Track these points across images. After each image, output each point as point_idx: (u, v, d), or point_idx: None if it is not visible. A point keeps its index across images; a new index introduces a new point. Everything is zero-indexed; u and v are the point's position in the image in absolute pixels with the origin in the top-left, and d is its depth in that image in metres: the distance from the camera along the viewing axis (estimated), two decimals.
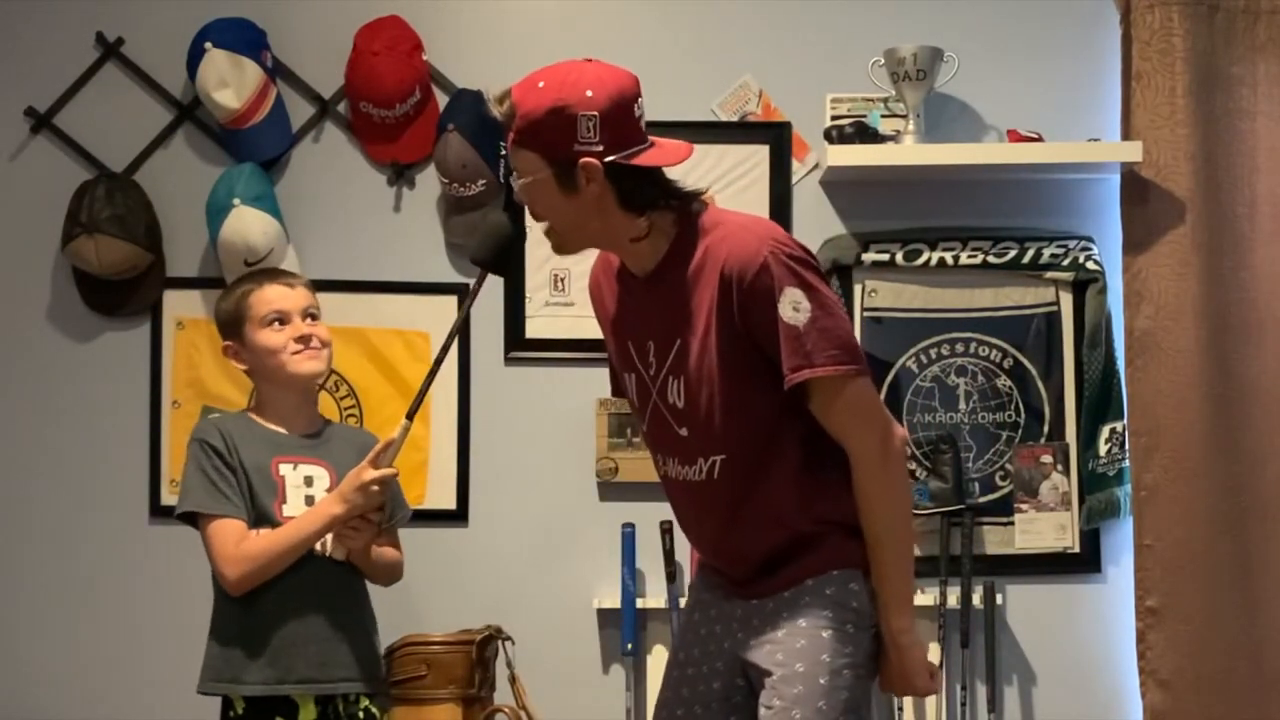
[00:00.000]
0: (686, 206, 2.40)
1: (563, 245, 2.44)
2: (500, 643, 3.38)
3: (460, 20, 3.76)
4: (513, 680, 3.36)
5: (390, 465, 2.76)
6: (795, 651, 2.38)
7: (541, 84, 2.32)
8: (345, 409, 3.68)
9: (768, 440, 2.39)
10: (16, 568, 3.69)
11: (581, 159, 2.30)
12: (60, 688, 3.65)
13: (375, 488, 2.73)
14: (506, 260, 2.71)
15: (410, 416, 2.75)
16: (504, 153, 2.53)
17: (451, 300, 3.66)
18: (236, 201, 3.55)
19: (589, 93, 2.30)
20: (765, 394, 2.35)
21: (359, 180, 3.71)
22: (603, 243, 2.44)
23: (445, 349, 2.76)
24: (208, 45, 3.57)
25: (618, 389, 2.61)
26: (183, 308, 3.70)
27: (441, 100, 3.71)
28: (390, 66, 3.62)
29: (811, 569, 2.42)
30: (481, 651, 3.34)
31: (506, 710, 3.36)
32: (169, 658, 3.50)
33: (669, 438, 2.45)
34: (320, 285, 3.57)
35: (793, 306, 2.31)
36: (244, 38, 3.62)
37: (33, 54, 3.73)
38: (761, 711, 2.37)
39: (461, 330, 3.58)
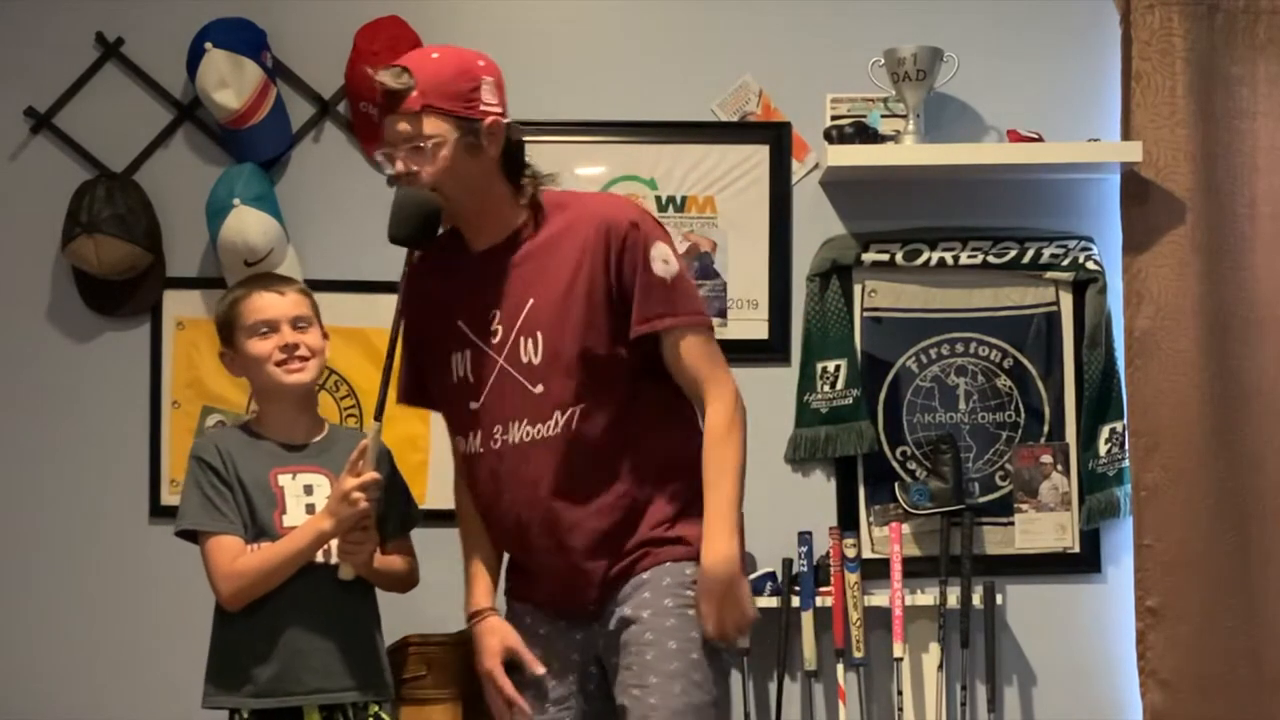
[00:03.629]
0: (542, 182, 2.59)
1: (449, 209, 2.54)
2: None
3: (460, 20, 3.76)
4: None
5: (370, 470, 2.72)
6: (666, 631, 2.50)
7: (435, 55, 2.51)
8: (345, 409, 3.68)
9: (625, 396, 2.52)
10: (17, 567, 3.69)
11: (488, 119, 2.47)
12: (60, 687, 3.65)
13: (357, 495, 2.72)
14: (432, 235, 2.68)
15: (378, 417, 2.73)
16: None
17: None
18: (236, 201, 3.55)
19: (481, 62, 2.51)
20: (623, 348, 2.51)
21: (359, 180, 3.71)
22: (477, 208, 2.55)
23: (393, 341, 2.73)
24: (208, 45, 3.57)
25: (412, 391, 2.72)
26: (183, 308, 3.70)
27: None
28: None
29: (669, 553, 2.56)
30: None
31: None
32: (169, 657, 3.50)
33: (517, 399, 2.52)
34: (320, 285, 3.58)
35: (663, 260, 2.51)
36: (244, 38, 3.62)
37: (33, 54, 3.73)
38: (631, 693, 2.49)
39: None
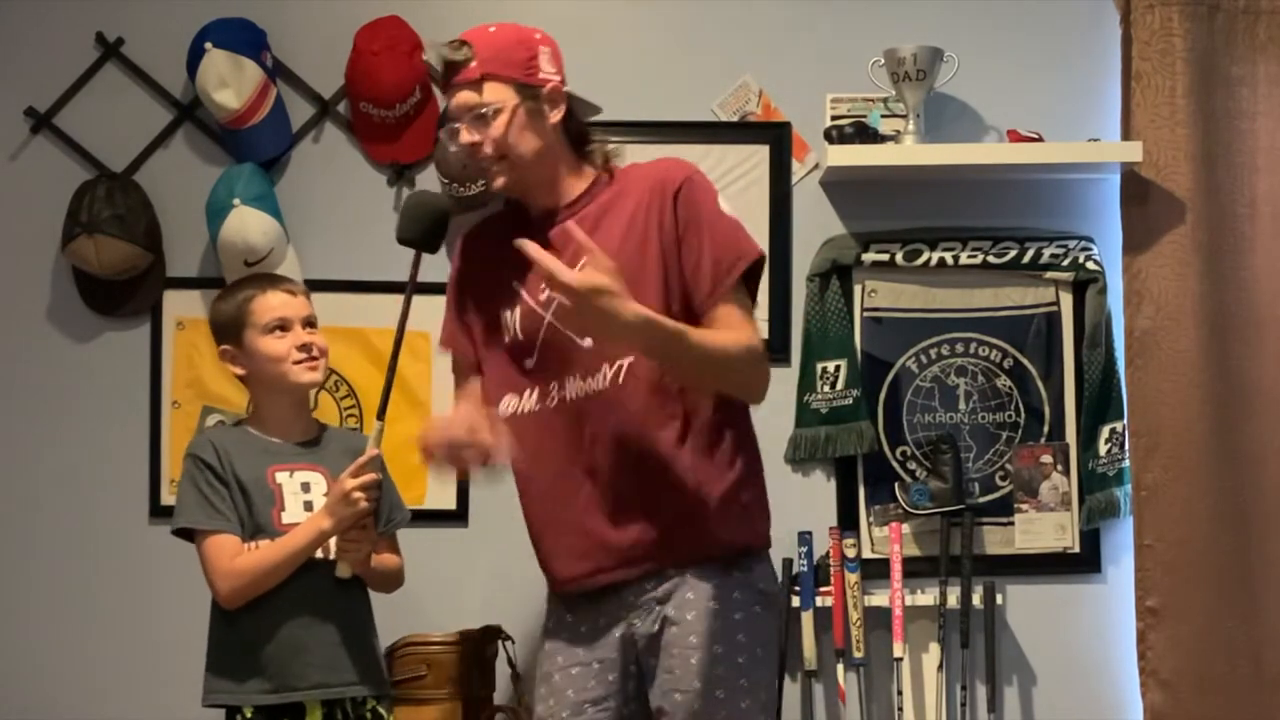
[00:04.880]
0: (610, 155, 2.63)
1: (512, 178, 2.54)
2: (500, 643, 3.38)
3: (460, 20, 3.72)
4: (514, 680, 3.36)
5: (373, 471, 2.74)
6: (713, 633, 2.45)
7: (492, 28, 2.54)
8: (345, 409, 3.68)
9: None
10: (17, 567, 3.69)
11: (548, 85, 2.51)
12: (60, 686, 3.65)
13: (358, 495, 2.72)
14: (440, 238, 2.70)
15: (380, 417, 2.74)
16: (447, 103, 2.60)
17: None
18: (236, 201, 3.55)
19: (538, 34, 2.55)
20: (675, 304, 2.48)
21: (359, 180, 3.72)
22: (540, 178, 2.56)
23: (398, 342, 2.74)
24: (208, 45, 3.57)
25: (455, 336, 2.69)
26: (183, 308, 3.70)
27: (441, 100, 3.71)
28: (390, 66, 3.62)
29: (715, 545, 2.49)
30: (481, 651, 3.34)
31: (506, 710, 3.36)
32: (169, 656, 3.50)
33: (568, 354, 2.50)
34: (320, 285, 3.59)
35: (730, 206, 2.57)
36: (244, 38, 3.62)
37: (33, 54, 3.73)
38: (674, 697, 2.44)
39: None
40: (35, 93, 3.71)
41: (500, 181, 2.53)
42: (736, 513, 2.53)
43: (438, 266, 3.68)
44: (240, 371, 2.93)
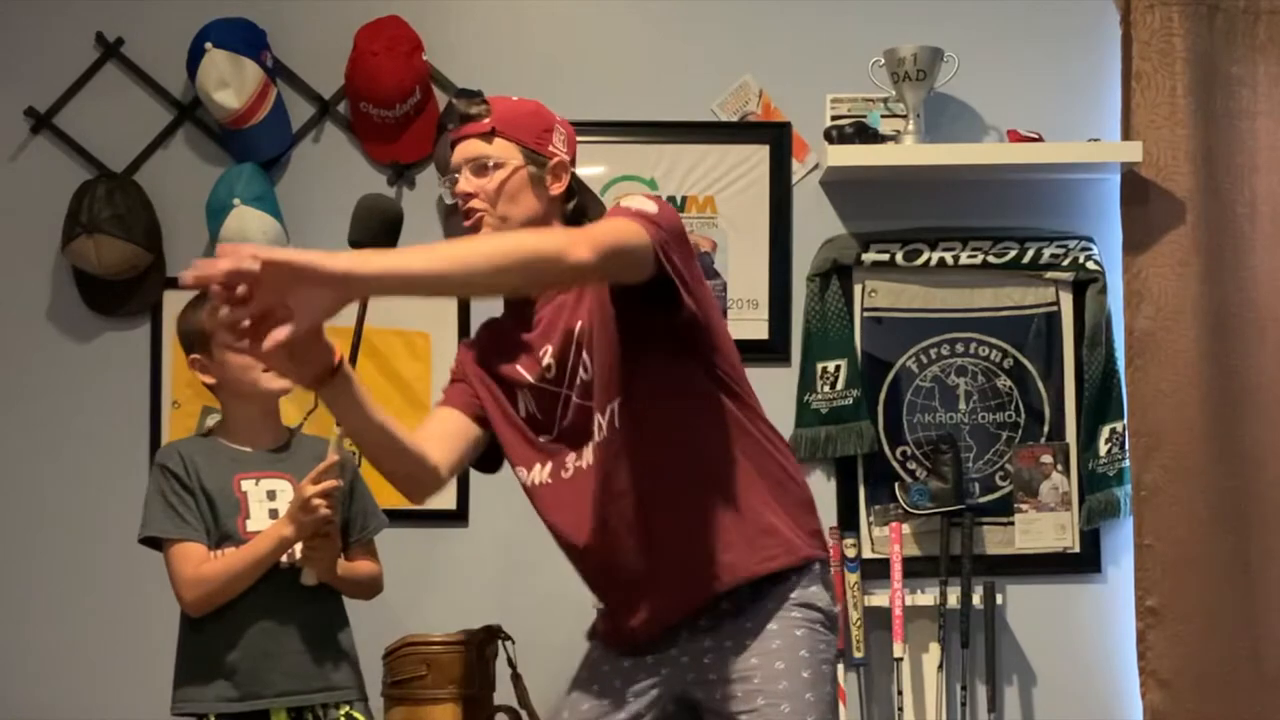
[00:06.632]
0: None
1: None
2: (500, 643, 3.38)
3: (460, 20, 3.76)
4: (514, 680, 3.36)
5: (333, 478, 2.70)
6: (771, 653, 2.38)
7: (515, 98, 2.54)
8: None
9: (661, 384, 2.41)
10: (16, 568, 3.69)
11: (554, 158, 2.49)
12: (58, 688, 3.65)
13: (318, 502, 2.70)
14: (393, 240, 2.65)
15: (339, 424, 2.72)
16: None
17: (452, 301, 3.65)
18: (236, 201, 3.55)
19: (557, 117, 2.54)
20: (651, 340, 2.38)
21: (359, 180, 3.71)
22: None
23: (355, 347, 2.72)
24: (208, 45, 3.57)
25: (461, 399, 2.58)
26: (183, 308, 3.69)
27: (441, 100, 3.71)
28: (390, 66, 3.62)
29: (765, 563, 2.41)
30: (481, 651, 3.34)
31: (507, 710, 3.36)
32: (167, 659, 3.49)
33: (585, 422, 2.45)
34: None
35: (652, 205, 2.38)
36: (244, 38, 3.62)
37: (33, 54, 3.73)
38: (740, 719, 2.37)
39: (462, 327, 3.62)
40: (35, 93, 3.72)
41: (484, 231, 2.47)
42: (784, 530, 2.44)
43: None
44: (210, 380, 2.91)
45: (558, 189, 2.49)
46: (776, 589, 2.43)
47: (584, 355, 2.44)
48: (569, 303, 2.48)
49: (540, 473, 2.52)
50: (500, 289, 2.36)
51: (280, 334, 1.86)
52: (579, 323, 2.45)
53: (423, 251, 2.06)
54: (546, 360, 2.48)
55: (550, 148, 2.49)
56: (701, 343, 2.44)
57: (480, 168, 2.46)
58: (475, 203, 2.46)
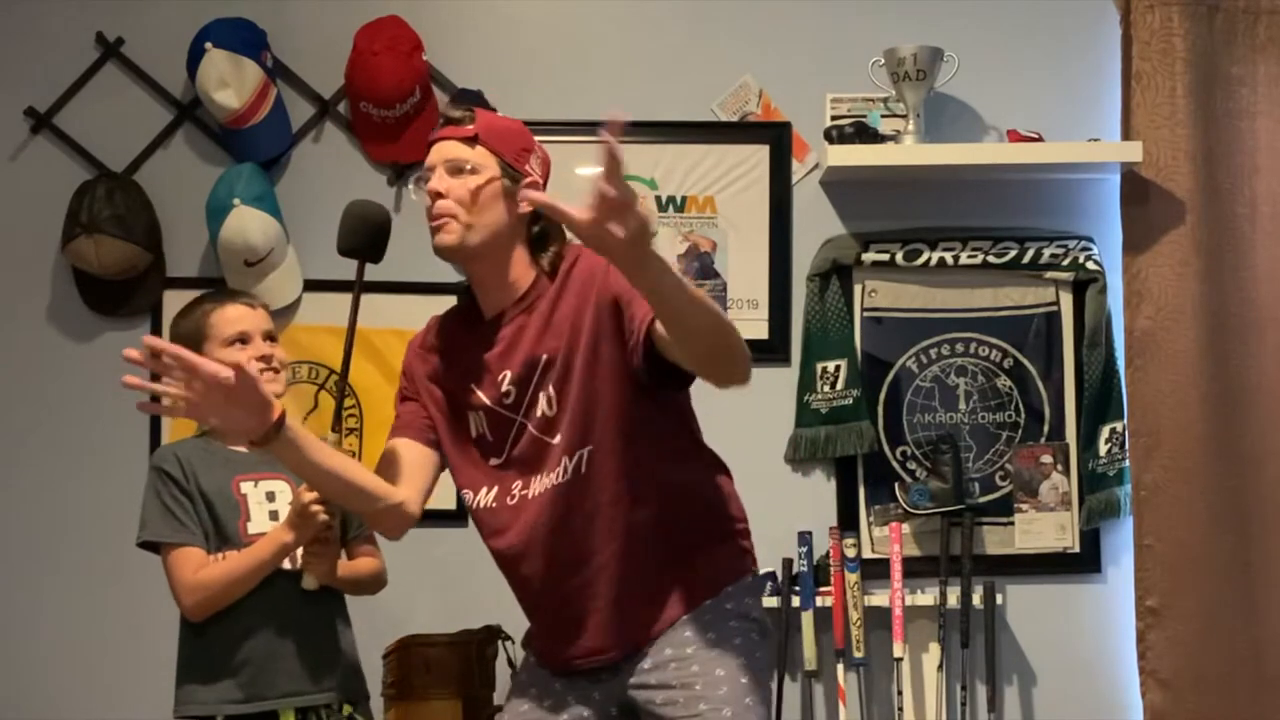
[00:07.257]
0: (557, 255, 2.54)
1: (461, 240, 2.47)
2: (500, 643, 3.38)
3: (460, 20, 3.76)
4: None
5: None
6: (711, 660, 2.43)
7: (501, 115, 2.58)
8: (346, 409, 3.67)
9: (631, 434, 2.45)
10: (16, 568, 3.69)
11: (529, 178, 2.50)
12: (59, 688, 3.65)
13: (316, 509, 2.70)
14: (381, 247, 2.69)
15: (335, 429, 2.73)
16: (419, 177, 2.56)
17: (452, 301, 3.65)
18: (236, 201, 3.55)
19: (538, 143, 2.55)
20: (628, 385, 2.43)
21: (359, 180, 3.71)
22: (495, 261, 2.51)
23: (348, 354, 2.73)
24: (208, 45, 3.57)
25: (413, 421, 2.61)
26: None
27: (441, 100, 3.71)
28: (390, 66, 3.62)
29: (704, 590, 2.49)
30: (481, 651, 3.34)
31: None
32: (168, 660, 3.50)
33: (537, 454, 2.48)
34: (320, 285, 3.59)
35: None
36: (244, 38, 3.62)
37: (33, 54, 3.73)
38: None
39: None
40: (35, 93, 3.72)
41: (447, 238, 2.48)
42: (722, 555, 2.54)
43: (440, 267, 3.71)
44: None
45: (526, 209, 2.49)
46: (713, 603, 2.50)
47: (548, 389, 2.46)
48: (531, 325, 2.50)
49: (486, 496, 2.55)
50: (720, 341, 2.29)
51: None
52: (544, 354, 2.46)
53: (696, 291, 2.17)
54: (506, 386, 2.50)
55: (527, 167, 2.51)
56: (683, 389, 2.50)
57: (456, 169, 2.48)
58: (445, 204, 2.47)
